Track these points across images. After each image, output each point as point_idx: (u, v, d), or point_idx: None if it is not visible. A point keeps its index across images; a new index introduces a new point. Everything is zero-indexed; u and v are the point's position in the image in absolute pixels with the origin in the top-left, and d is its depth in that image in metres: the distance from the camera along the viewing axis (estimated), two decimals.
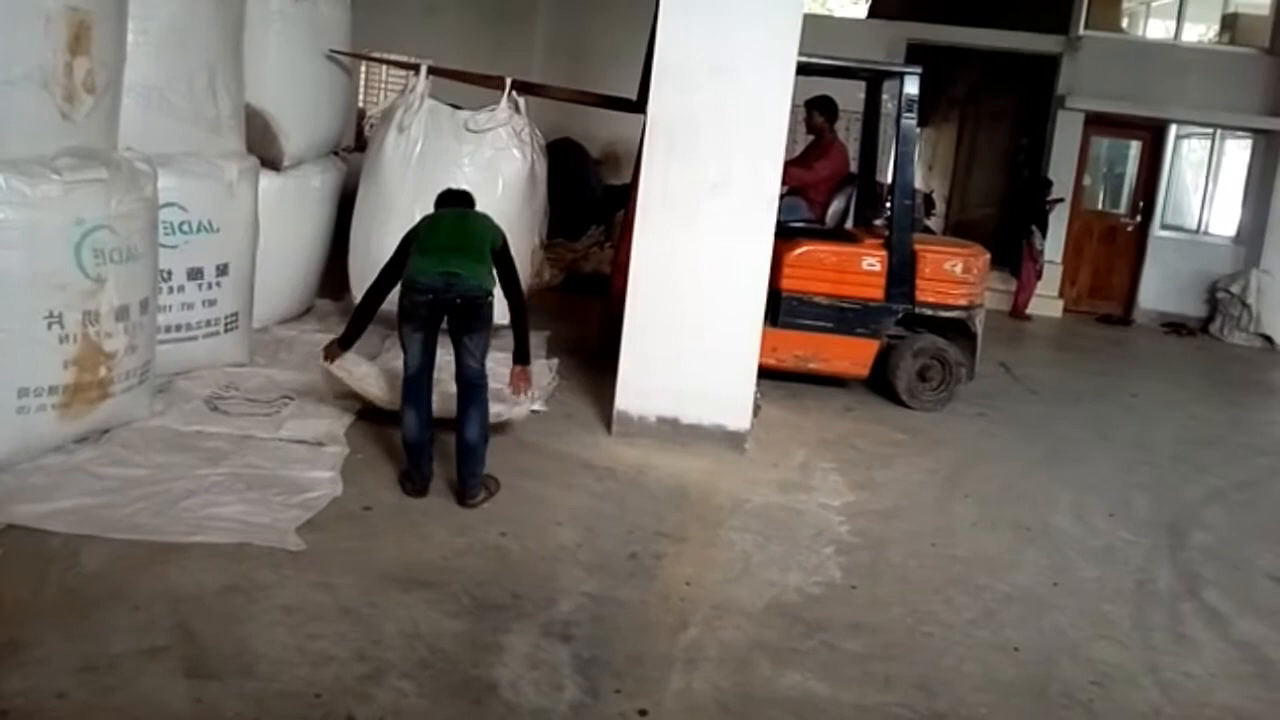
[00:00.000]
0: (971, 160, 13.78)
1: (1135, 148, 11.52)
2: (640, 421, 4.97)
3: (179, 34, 4.81)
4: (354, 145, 8.07)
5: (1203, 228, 11.39)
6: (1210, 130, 11.26)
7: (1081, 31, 11.07)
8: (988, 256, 6.49)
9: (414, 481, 4.03)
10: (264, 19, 5.63)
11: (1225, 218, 11.27)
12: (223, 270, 5.07)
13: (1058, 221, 10.96)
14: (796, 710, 2.87)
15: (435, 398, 4.08)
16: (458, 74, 6.59)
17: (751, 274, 4.89)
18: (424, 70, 6.16)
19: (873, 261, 6.12)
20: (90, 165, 3.92)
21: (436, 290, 3.86)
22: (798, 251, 6.08)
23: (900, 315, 6.17)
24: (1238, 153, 11.25)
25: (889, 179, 7.14)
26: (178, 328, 4.90)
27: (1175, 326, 10.94)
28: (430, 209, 4.26)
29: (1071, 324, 10.82)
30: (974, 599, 3.68)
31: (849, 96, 6.99)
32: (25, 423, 3.80)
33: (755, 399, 5.04)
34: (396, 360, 4.22)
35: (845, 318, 6.11)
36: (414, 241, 4.01)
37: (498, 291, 4.03)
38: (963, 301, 6.21)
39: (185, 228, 4.86)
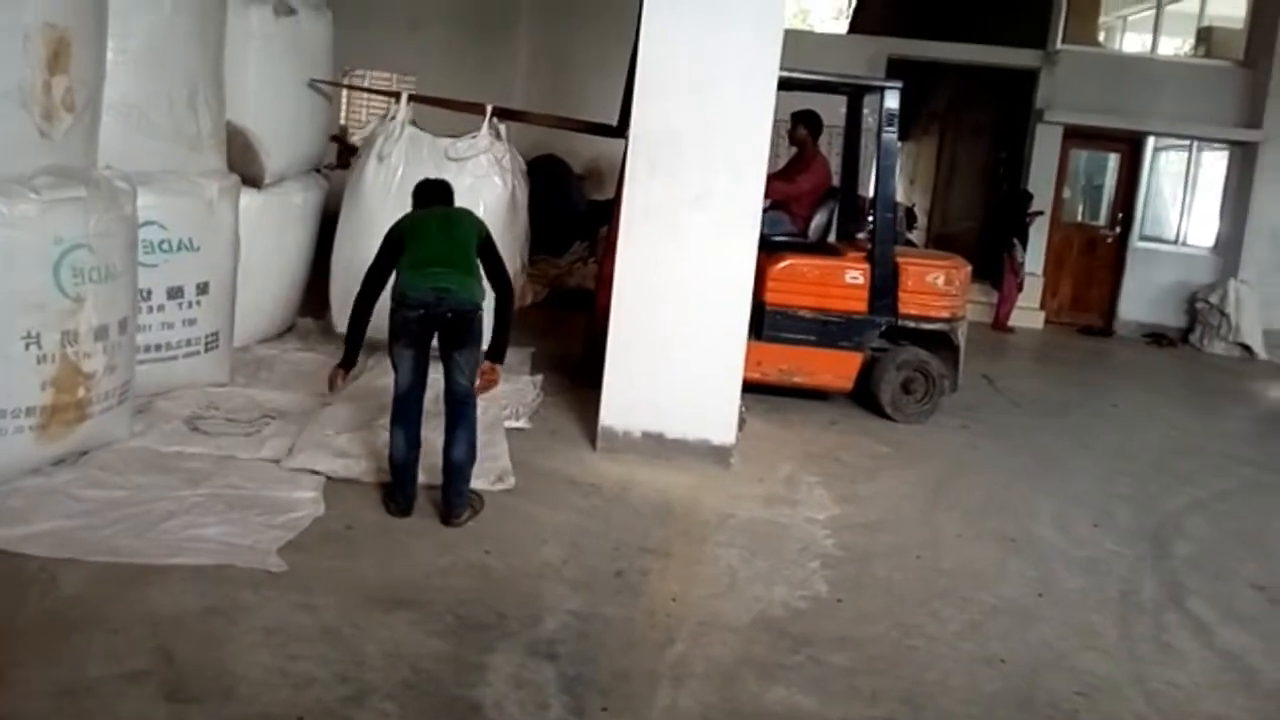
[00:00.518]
0: (952, 174, 13.87)
1: (1114, 160, 11.65)
2: (625, 437, 4.96)
3: (158, 52, 4.79)
4: (336, 163, 8.05)
5: (1181, 239, 11.52)
6: (1187, 142, 11.40)
7: (1059, 46, 11.21)
8: (969, 269, 6.54)
9: (398, 502, 4.00)
10: (244, 36, 5.60)
11: (1203, 228, 11.40)
12: (203, 289, 5.04)
13: (1038, 234, 11.06)
14: None
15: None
16: (439, 101, 6.60)
17: (735, 288, 4.89)
18: (404, 98, 6.18)
19: (856, 275, 6.15)
20: (69, 184, 3.90)
21: (428, 305, 3.85)
22: (781, 265, 6.10)
23: (883, 328, 6.19)
24: (1214, 164, 11.38)
25: (871, 193, 7.17)
26: (157, 347, 4.86)
27: (1156, 337, 11.04)
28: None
29: (1053, 336, 10.89)
30: (959, 611, 3.68)
31: (830, 111, 7.04)
32: (2, 445, 3.76)
33: (740, 413, 5.04)
34: (383, 379, 4.18)
35: (829, 331, 6.13)
36: (398, 246, 3.99)
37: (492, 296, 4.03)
38: (945, 314, 6.25)
39: (165, 246, 4.83)
